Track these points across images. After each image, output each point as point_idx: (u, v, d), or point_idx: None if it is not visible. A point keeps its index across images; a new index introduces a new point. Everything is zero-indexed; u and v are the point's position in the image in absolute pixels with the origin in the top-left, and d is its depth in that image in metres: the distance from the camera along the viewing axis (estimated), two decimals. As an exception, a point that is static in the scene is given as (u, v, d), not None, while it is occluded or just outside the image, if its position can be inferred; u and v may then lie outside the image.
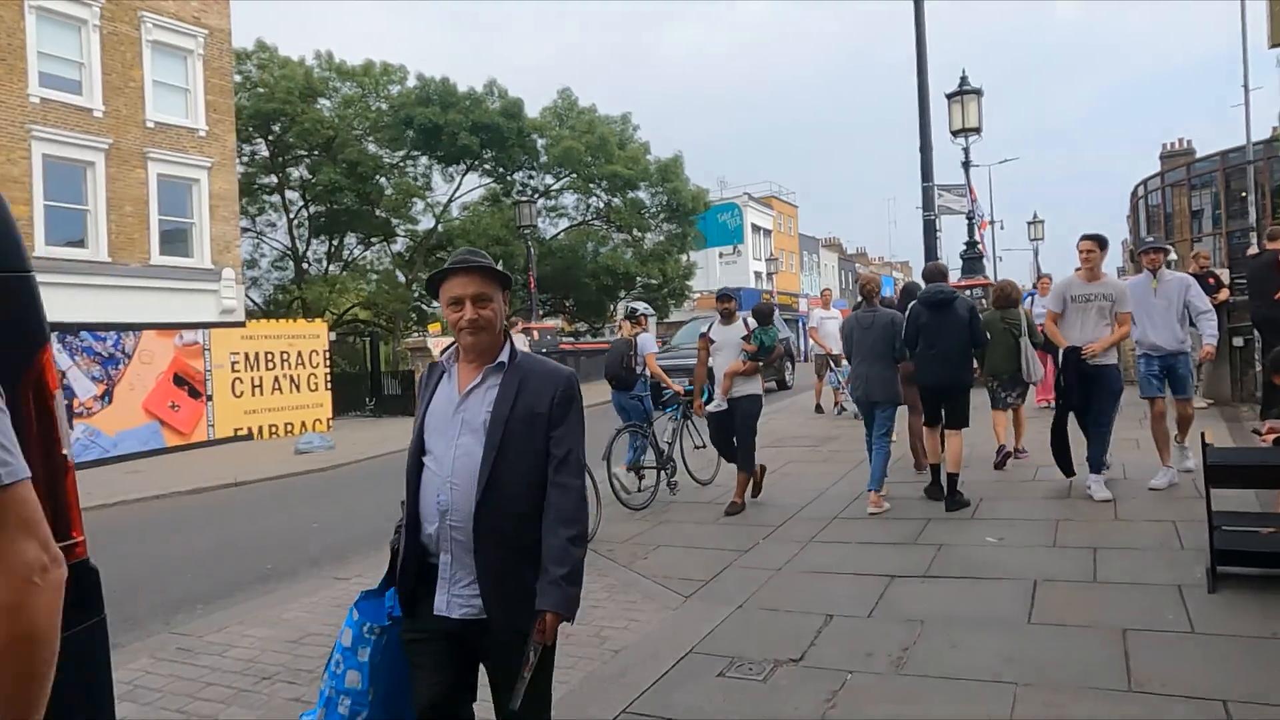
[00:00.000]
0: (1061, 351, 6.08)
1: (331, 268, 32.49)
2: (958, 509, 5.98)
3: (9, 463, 1.00)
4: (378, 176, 28.13)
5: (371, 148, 28.41)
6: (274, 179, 29.81)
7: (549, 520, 2.10)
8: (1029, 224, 31.28)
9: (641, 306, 8.96)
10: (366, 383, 22.93)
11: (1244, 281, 10.29)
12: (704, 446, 7.64)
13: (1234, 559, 4.09)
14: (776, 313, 9.66)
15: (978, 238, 14.66)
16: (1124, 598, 4.07)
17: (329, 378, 18.82)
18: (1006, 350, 7.24)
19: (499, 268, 2.21)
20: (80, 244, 17.41)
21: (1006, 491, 6.45)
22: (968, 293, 11.45)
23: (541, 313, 30.88)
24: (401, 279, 31.77)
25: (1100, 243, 6.11)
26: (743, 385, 6.56)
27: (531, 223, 21.28)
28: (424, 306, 33.39)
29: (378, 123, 27.64)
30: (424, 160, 28.93)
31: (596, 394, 9.31)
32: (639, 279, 29.28)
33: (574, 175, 28.58)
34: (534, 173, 29.83)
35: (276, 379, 17.61)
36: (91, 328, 14.62)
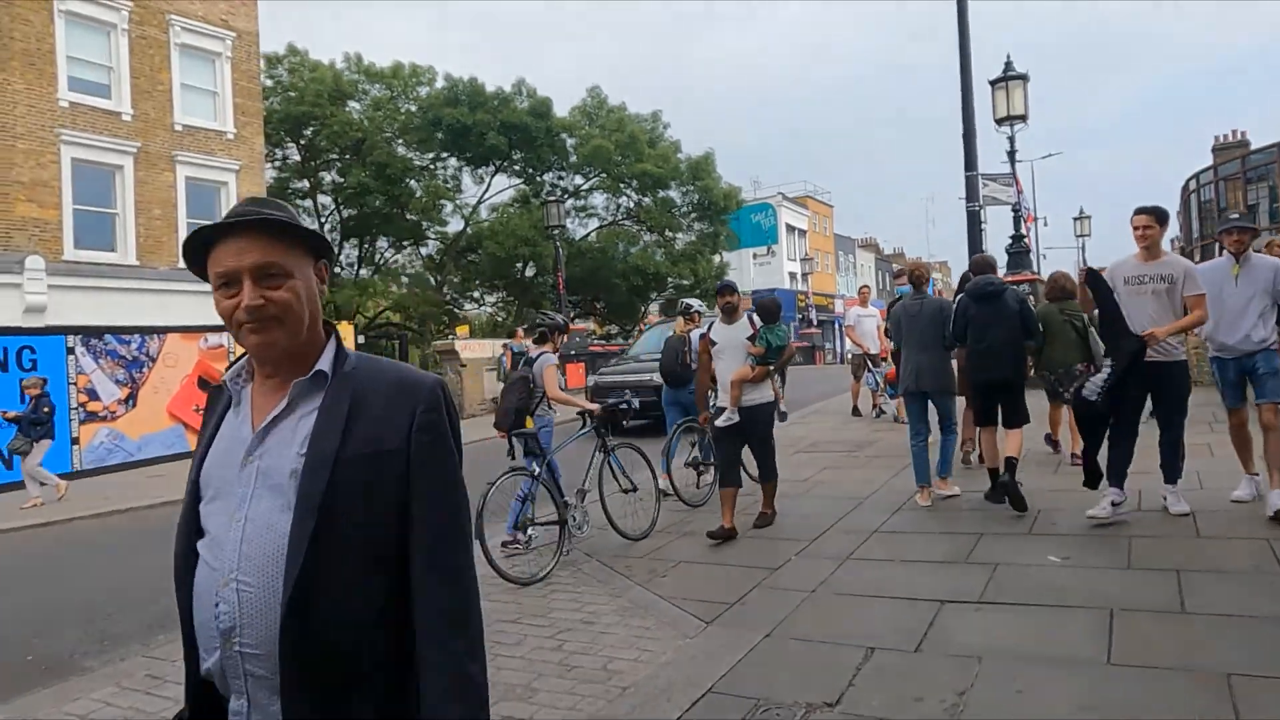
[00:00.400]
0: (1120, 344, 5.13)
1: (363, 271, 32.51)
2: (1014, 493, 5.67)
3: None
4: (407, 179, 28.03)
5: (401, 150, 28.32)
6: (306, 183, 29.91)
7: (427, 629, 1.26)
8: (1075, 219, 30.15)
9: (696, 303, 8.55)
10: (395, 385, 22.73)
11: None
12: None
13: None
14: (801, 317, 9.09)
15: (1024, 231, 13.92)
16: (1222, 633, 3.46)
17: (355, 381, 18.61)
18: (1067, 343, 6.89)
19: (300, 222, 1.38)
20: (109, 247, 17.39)
21: (1067, 500, 5.80)
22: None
23: (572, 315, 30.54)
24: (432, 282, 31.66)
25: (1159, 216, 5.16)
26: (752, 392, 5.76)
27: (560, 223, 20.88)
28: (455, 310, 33.30)
29: (407, 124, 27.53)
30: (453, 162, 28.80)
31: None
32: (670, 280, 28.78)
33: (603, 175, 28.20)
34: (563, 173, 29.51)
35: (302, 382, 17.42)
36: (115, 331, 14.53)
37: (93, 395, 13.93)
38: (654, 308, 31.37)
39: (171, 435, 14.99)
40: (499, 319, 33.59)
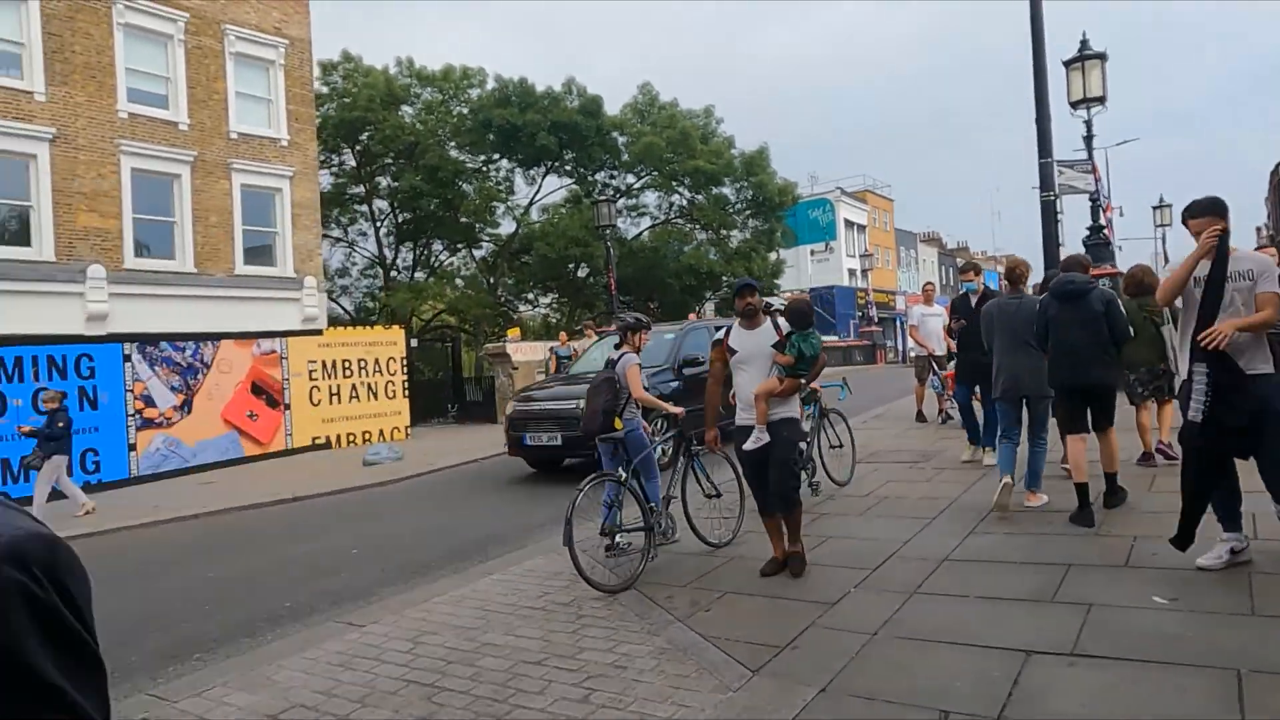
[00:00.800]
0: (1195, 357, 4.16)
1: (418, 274, 32.73)
2: (1117, 505, 5.61)
3: None
4: (459, 181, 28.05)
5: (453, 153, 28.36)
6: (362, 189, 30.23)
7: None
8: (1154, 209, 28.45)
9: (776, 301, 8.09)
10: (449, 389, 22.72)
11: None
12: (840, 446, 7.59)
13: None
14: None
15: (1102, 221, 12.97)
16: (1387, 709, 2.82)
17: (406, 385, 18.56)
18: (1147, 340, 6.57)
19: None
20: (167, 255, 17.67)
21: (1169, 522, 5.09)
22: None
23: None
24: (486, 284, 31.67)
25: (1218, 211, 4.22)
26: (777, 407, 4.96)
27: (611, 222, 20.50)
28: (510, 312, 33.29)
29: (459, 127, 27.54)
30: (505, 163, 28.70)
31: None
32: (724, 278, 28.16)
33: (655, 173, 27.74)
34: (615, 172, 29.17)
35: (354, 387, 17.42)
36: (170, 338, 14.68)
37: (149, 402, 14.09)
38: (709, 307, 30.81)
39: (226, 441, 15.09)
40: (553, 320, 33.46)
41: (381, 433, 17.65)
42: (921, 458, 8.55)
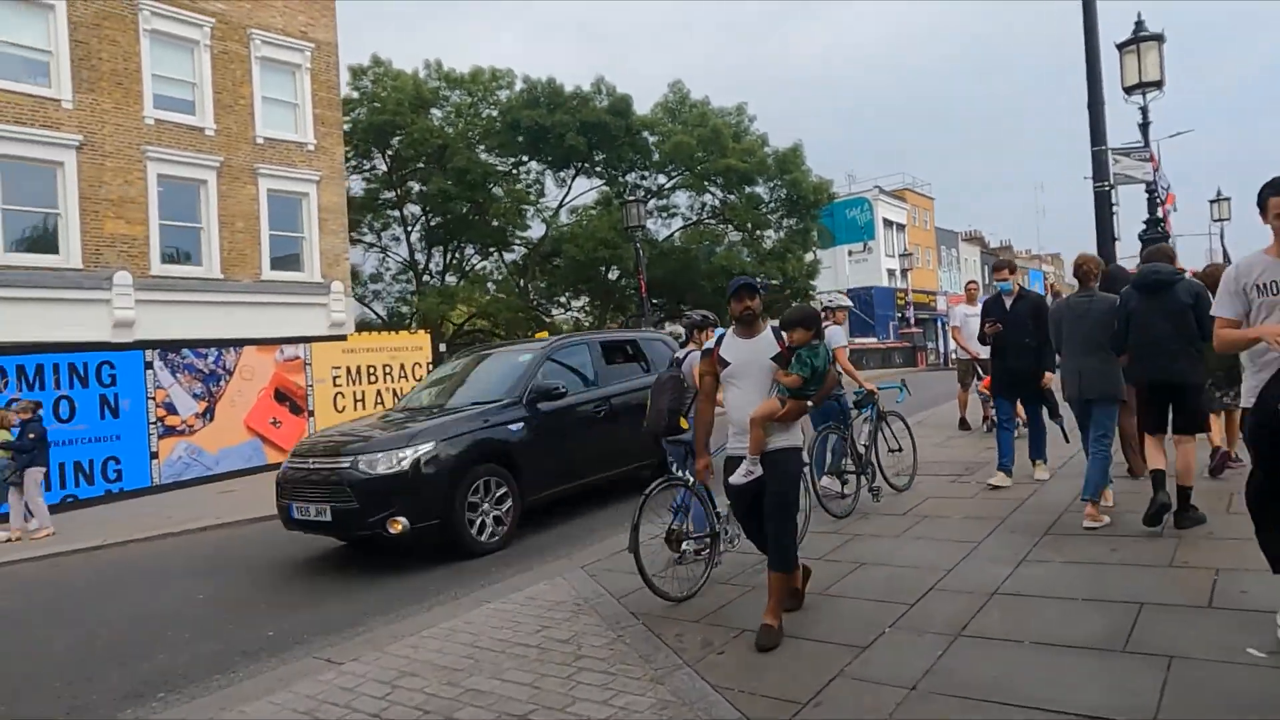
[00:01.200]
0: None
1: (449, 278, 32.59)
2: (1191, 525, 5.14)
3: None
4: (489, 184, 27.81)
5: (483, 156, 28.13)
6: (394, 194, 30.17)
7: None
8: (1211, 203, 27.07)
9: (842, 298, 7.77)
10: (477, 394, 22.45)
11: None
12: (899, 450, 7.25)
13: None
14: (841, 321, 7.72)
15: (1160, 214, 12.14)
16: None
17: (432, 390, 18.28)
18: None
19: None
20: (194, 261, 17.61)
21: (1253, 557, 4.39)
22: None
23: (659, 317, 29.68)
24: (516, 288, 31.41)
25: None
26: (779, 434, 4.14)
27: (640, 223, 20.02)
28: (542, 316, 33.00)
29: (489, 129, 27.30)
30: (534, 165, 28.38)
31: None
32: (758, 280, 27.52)
33: (686, 172, 27.17)
34: (646, 172, 28.66)
35: (379, 393, 17.17)
36: (192, 344, 14.54)
37: (171, 409, 13.95)
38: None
39: (249, 449, 14.91)
40: (585, 323, 33.08)
41: (407, 439, 17.38)
42: (965, 470, 7.91)
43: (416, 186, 29.89)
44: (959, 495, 6.91)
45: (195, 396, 14.33)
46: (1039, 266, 71.58)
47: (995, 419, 9.69)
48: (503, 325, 31.38)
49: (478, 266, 33.84)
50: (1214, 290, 6.23)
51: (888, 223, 48.53)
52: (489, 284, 33.21)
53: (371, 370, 17.14)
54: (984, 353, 9.80)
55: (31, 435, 9.76)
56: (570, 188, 29.43)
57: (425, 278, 32.24)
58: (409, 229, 30.97)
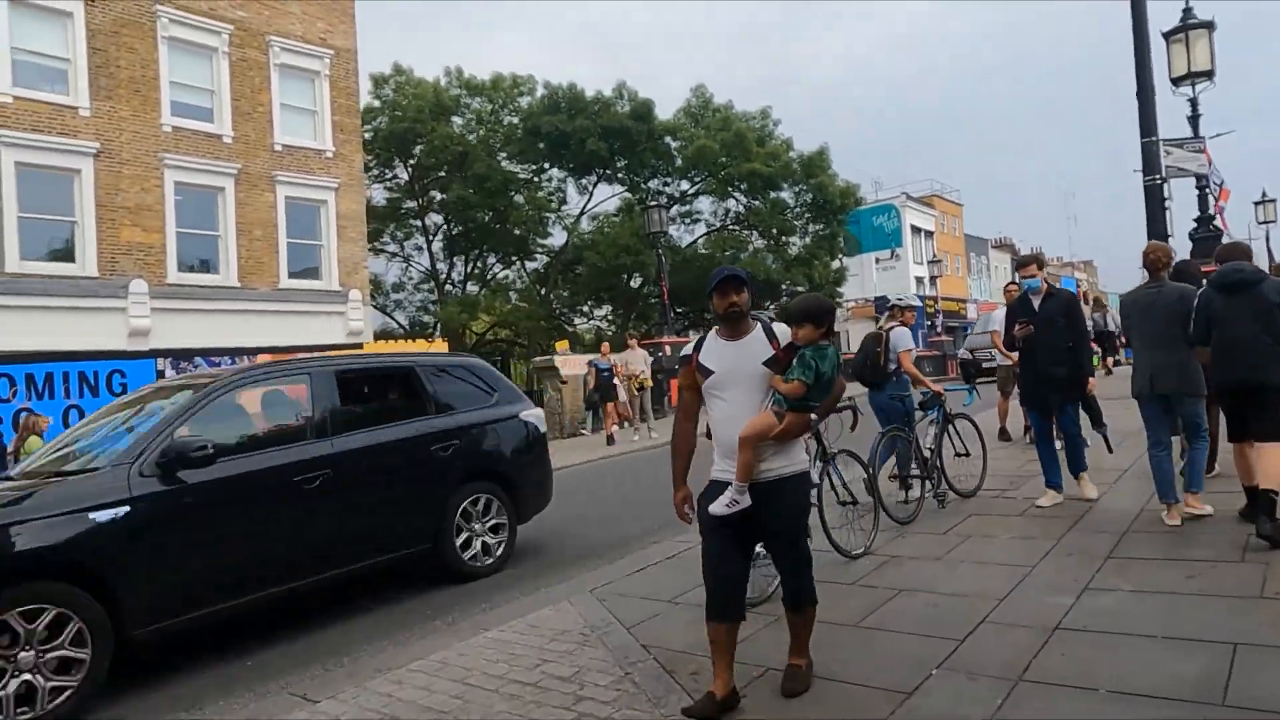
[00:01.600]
0: None
1: (471, 287, 32.38)
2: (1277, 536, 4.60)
3: None
4: (511, 191, 27.54)
5: (505, 163, 27.90)
6: (416, 203, 30.03)
7: None
8: (1256, 204, 26.04)
9: (909, 296, 7.59)
10: (497, 404, 22.09)
11: None
12: (967, 454, 6.97)
13: None
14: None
15: (1213, 211, 11.45)
16: None
17: (450, 400, 17.93)
18: None
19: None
20: (211, 269, 17.46)
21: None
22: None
23: (683, 325, 29.19)
24: (538, 296, 31.11)
25: None
26: (777, 456, 3.34)
27: (662, 229, 19.58)
28: (565, 325, 32.66)
29: (510, 136, 27.06)
30: (555, 172, 28.09)
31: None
32: (783, 286, 26.90)
33: (709, 177, 26.69)
34: (668, 179, 28.23)
35: (395, 402, 16.83)
36: (206, 353, 14.32)
37: (183, 419, 13.70)
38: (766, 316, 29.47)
39: (262, 459, 14.61)
40: (607, 332, 32.69)
41: (424, 450, 17.04)
42: (1009, 484, 7.31)
43: (438, 195, 29.75)
44: (1005, 512, 6.32)
45: (208, 406, 14.07)
46: (1071, 274, 70.13)
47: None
48: (524, 334, 31.08)
49: (500, 275, 33.62)
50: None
51: (915, 230, 47.69)
52: (511, 293, 32.96)
53: (388, 379, 16.82)
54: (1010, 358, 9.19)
55: None
56: (592, 195, 29.16)
57: (447, 287, 32.05)
58: (430, 238, 30.82)
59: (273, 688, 4.31)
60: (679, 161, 27.01)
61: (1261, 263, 22.83)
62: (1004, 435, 9.83)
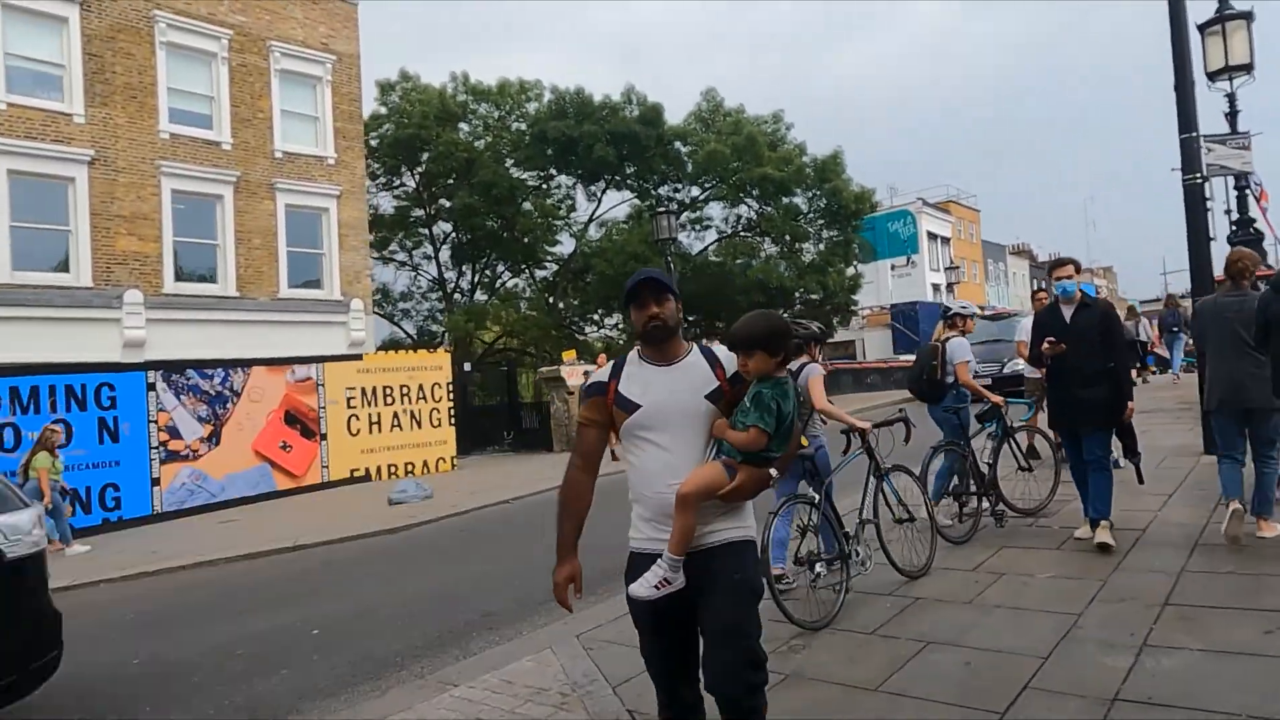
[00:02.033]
0: None
1: (480, 296, 31.94)
2: None
3: None
4: (519, 199, 27.08)
5: (513, 170, 27.46)
6: (424, 211, 29.65)
7: None
8: (1287, 208, 25.21)
9: (971, 305, 7.20)
10: (505, 415, 21.62)
11: None
12: (1029, 469, 6.73)
13: None
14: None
15: (1252, 213, 10.76)
16: None
17: (454, 412, 17.44)
18: None
19: None
20: (210, 279, 17.06)
21: None
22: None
23: (694, 334, 28.60)
24: (546, 305, 30.62)
25: None
26: (722, 518, 2.52)
27: (671, 235, 19.03)
28: (575, 334, 32.13)
29: (517, 143, 26.63)
30: (564, 179, 27.59)
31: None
32: (797, 294, 26.25)
33: (720, 183, 26.10)
34: (678, 185, 27.66)
35: (396, 415, 16.40)
36: (198, 364, 13.90)
37: (174, 434, 13.29)
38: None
39: (256, 474, 14.19)
40: (618, 342, 32.14)
41: (426, 464, 16.56)
42: (1041, 511, 6.68)
43: (446, 203, 29.37)
44: (1040, 545, 5.70)
45: (200, 419, 13.66)
46: (1090, 280, 69.01)
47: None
48: (533, 344, 30.59)
49: (508, 284, 33.17)
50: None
51: (932, 236, 46.97)
52: (520, 301, 32.49)
53: (389, 391, 16.37)
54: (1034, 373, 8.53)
55: None
56: (600, 201, 28.61)
57: (456, 296, 31.63)
58: (437, 247, 30.42)
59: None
60: (689, 167, 26.43)
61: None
62: (1032, 453, 9.18)
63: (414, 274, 32.61)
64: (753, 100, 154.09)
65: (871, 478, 5.17)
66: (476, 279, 31.17)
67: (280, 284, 17.92)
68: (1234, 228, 10.77)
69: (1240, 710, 3.06)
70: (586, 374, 16.24)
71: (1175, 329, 17.27)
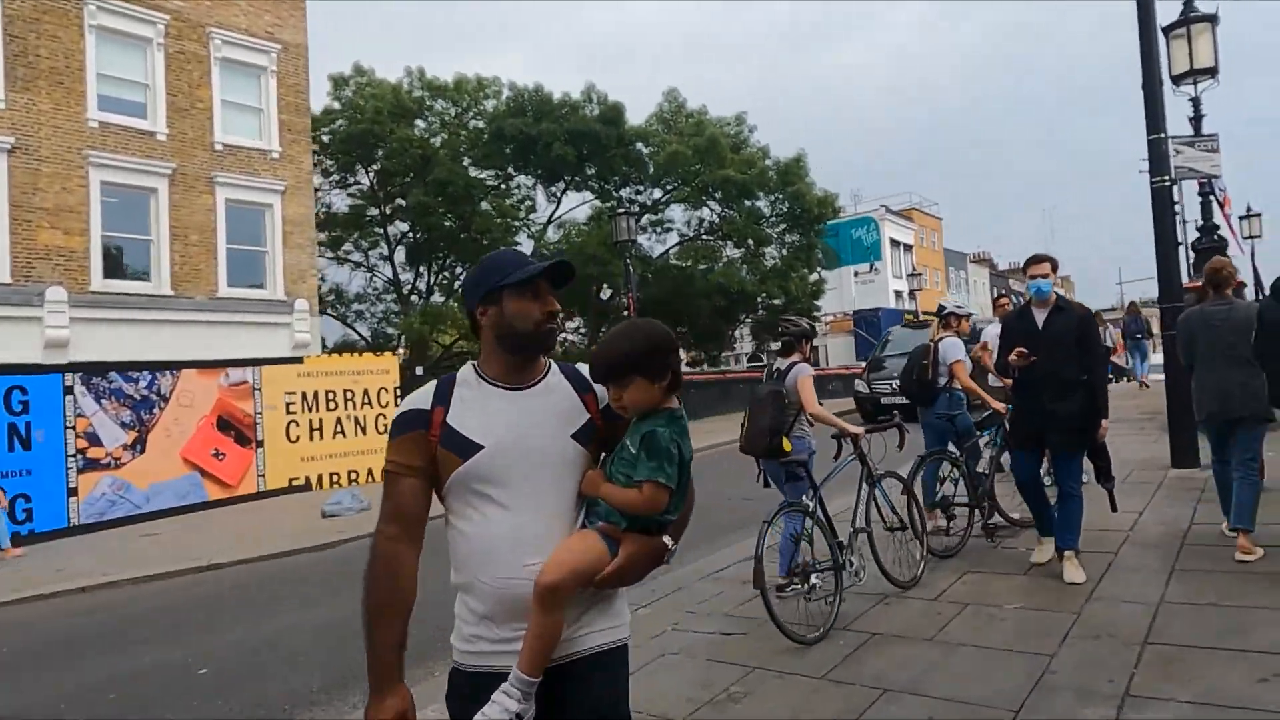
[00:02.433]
0: None
1: (437, 297, 31.14)
2: None
3: None
4: (476, 198, 26.38)
5: (471, 169, 26.76)
6: (378, 210, 28.80)
7: None
8: (1241, 219, 25.48)
9: (967, 305, 7.13)
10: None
11: None
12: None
13: None
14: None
15: (1216, 220, 10.59)
16: None
17: (401, 418, 16.72)
18: None
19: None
20: (142, 276, 16.17)
21: None
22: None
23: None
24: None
25: None
26: (592, 613, 1.73)
27: (630, 237, 18.54)
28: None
29: (475, 141, 25.94)
30: (523, 179, 26.97)
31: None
32: (759, 299, 25.91)
33: (682, 184, 25.69)
34: (640, 186, 27.19)
35: (339, 421, 15.64)
36: (121, 367, 13.03)
37: (94, 440, 12.42)
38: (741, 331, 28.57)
39: (186, 484, 13.34)
40: (579, 346, 31.56)
41: (370, 472, 15.81)
42: (1008, 531, 6.28)
43: (402, 202, 28.57)
44: (1006, 570, 5.28)
45: (124, 425, 12.80)
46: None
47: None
48: (490, 347, 29.85)
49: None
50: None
51: (894, 243, 47.18)
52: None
53: (331, 396, 15.60)
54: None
55: None
56: (560, 202, 28.04)
57: (413, 297, 30.79)
58: (393, 247, 29.59)
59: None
60: (651, 168, 25.99)
61: (1248, 279, 22.13)
62: (998, 466, 8.83)
63: (369, 275, 31.72)
64: (716, 105, 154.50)
65: (864, 485, 4.98)
66: (433, 280, 30.38)
67: (219, 283, 17.07)
68: (1199, 234, 10.60)
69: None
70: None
71: (1139, 336, 17.24)
